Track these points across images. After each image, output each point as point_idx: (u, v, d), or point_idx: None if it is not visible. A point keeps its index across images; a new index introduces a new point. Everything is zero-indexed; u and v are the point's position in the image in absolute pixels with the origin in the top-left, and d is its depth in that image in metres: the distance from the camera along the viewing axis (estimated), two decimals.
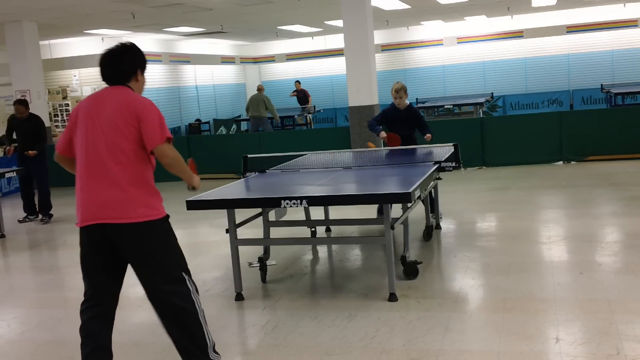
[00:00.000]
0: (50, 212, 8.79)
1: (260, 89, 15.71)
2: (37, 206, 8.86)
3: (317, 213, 6.37)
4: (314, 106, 18.27)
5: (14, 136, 8.83)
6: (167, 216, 3.24)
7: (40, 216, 8.74)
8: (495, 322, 3.91)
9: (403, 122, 6.67)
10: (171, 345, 3.96)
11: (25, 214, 8.88)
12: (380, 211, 6.62)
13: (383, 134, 6.64)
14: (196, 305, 3.24)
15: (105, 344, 3.31)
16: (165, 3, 10.92)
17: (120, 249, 3.17)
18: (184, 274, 3.24)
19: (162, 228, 3.20)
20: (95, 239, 3.17)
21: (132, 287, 5.33)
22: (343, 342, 3.79)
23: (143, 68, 3.36)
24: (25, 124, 8.67)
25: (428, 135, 6.60)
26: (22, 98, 9.44)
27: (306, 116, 17.91)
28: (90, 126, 3.13)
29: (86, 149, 3.13)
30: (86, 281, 3.31)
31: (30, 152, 8.51)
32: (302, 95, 17.96)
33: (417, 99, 17.98)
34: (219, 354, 3.33)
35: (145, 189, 3.15)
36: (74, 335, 4.25)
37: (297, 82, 18.46)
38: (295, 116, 17.81)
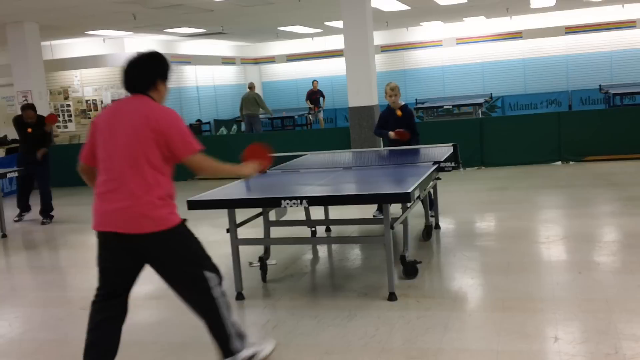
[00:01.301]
0: (52, 213, 8.81)
1: (251, 87, 16.11)
2: (26, 206, 8.97)
3: (317, 213, 6.40)
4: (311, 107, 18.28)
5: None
6: (183, 221, 3.26)
7: (42, 218, 8.75)
8: (494, 322, 3.93)
9: (397, 120, 6.72)
10: (173, 344, 4.00)
11: (19, 211, 8.92)
12: (379, 209, 6.67)
13: (391, 133, 6.68)
14: (216, 301, 3.28)
15: (113, 346, 3.31)
16: (166, 4, 10.94)
17: (138, 257, 3.22)
18: (204, 272, 3.27)
19: (176, 235, 3.21)
20: (110, 245, 3.19)
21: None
22: (343, 341, 3.81)
23: (164, 77, 3.31)
24: (39, 127, 8.71)
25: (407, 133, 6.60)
26: (30, 103, 9.43)
27: (317, 116, 17.91)
28: (111, 136, 3.15)
29: (106, 157, 3.16)
30: (101, 279, 3.31)
31: (40, 150, 8.56)
32: (318, 97, 17.92)
33: (416, 99, 18.00)
34: (243, 340, 3.38)
35: (160, 200, 3.15)
36: (76, 335, 4.28)
37: (315, 81, 18.38)
38: (309, 116, 17.89)
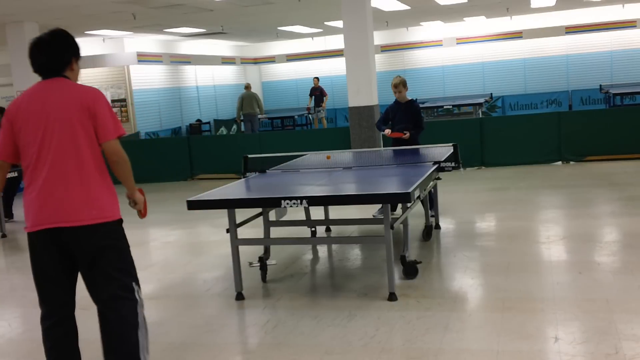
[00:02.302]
0: None
1: (248, 87, 16.36)
2: (10, 213, 8.92)
3: (317, 213, 6.39)
4: (313, 106, 18.28)
5: None
6: (121, 220, 3.14)
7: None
8: (494, 322, 3.93)
9: (403, 114, 6.78)
10: (172, 344, 3.99)
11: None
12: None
13: (388, 131, 6.71)
14: (139, 318, 3.11)
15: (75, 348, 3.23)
16: (166, 4, 10.94)
17: (74, 253, 3.04)
18: (134, 284, 3.14)
19: (117, 231, 3.10)
20: (47, 243, 3.00)
21: None
22: (343, 341, 3.81)
23: (78, 56, 3.18)
24: None
25: (407, 133, 6.63)
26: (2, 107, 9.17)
27: (320, 116, 17.91)
28: (42, 124, 2.95)
29: (39, 149, 2.95)
30: (40, 292, 3.11)
31: None
32: (318, 94, 17.91)
33: (416, 99, 17.95)
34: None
35: (103, 189, 3.05)
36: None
37: (316, 78, 18.36)
38: (310, 116, 17.90)
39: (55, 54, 3.07)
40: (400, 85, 6.82)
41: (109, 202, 3.06)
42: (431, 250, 5.80)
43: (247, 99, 15.98)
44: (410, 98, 6.97)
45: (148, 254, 6.68)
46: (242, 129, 16.64)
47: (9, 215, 8.93)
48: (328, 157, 6.14)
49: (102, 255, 3.04)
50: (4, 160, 3.08)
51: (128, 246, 3.19)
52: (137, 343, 3.07)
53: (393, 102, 6.95)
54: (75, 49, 3.17)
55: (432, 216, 6.30)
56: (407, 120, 6.74)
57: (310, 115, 18.09)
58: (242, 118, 16.26)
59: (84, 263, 3.06)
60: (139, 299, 3.14)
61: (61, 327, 3.15)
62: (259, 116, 16.50)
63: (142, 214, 3.46)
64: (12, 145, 3.05)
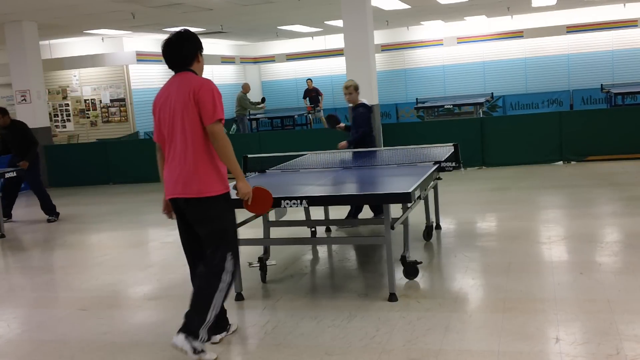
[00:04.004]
0: (57, 211, 8.77)
1: (244, 88, 16.66)
2: (9, 213, 8.88)
3: (317, 213, 6.37)
4: (314, 106, 18.27)
5: None
6: (224, 195, 3.65)
7: (47, 217, 8.70)
8: (495, 322, 3.91)
9: (353, 120, 6.83)
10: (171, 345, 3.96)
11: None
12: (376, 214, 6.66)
13: (342, 125, 6.95)
14: (220, 284, 3.59)
15: None
16: (165, 3, 10.92)
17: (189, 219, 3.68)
18: (228, 255, 3.65)
19: (221, 202, 3.63)
20: (177, 211, 3.71)
21: (131, 287, 5.35)
22: (343, 342, 3.79)
23: (201, 50, 3.73)
24: (15, 132, 8.54)
25: (343, 143, 6.65)
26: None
27: (318, 115, 17.93)
28: (169, 111, 3.58)
29: (169, 132, 3.60)
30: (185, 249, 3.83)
31: (22, 163, 8.38)
32: (314, 94, 17.94)
33: (417, 98, 17.98)
34: (210, 336, 3.67)
35: (211, 168, 3.58)
36: (74, 335, 4.26)
37: (309, 80, 18.39)
38: (308, 115, 17.92)
39: (182, 53, 3.67)
40: (351, 87, 6.77)
41: (211, 179, 3.59)
42: (432, 250, 5.78)
43: (243, 100, 16.29)
44: (361, 101, 6.86)
45: (148, 254, 6.66)
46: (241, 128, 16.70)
47: (7, 215, 8.90)
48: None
49: (201, 224, 3.66)
50: (157, 142, 3.76)
51: (228, 218, 3.73)
52: (209, 304, 3.56)
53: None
54: (199, 44, 3.72)
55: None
56: (355, 125, 6.75)
57: (309, 115, 18.08)
58: (236, 118, 16.46)
59: (195, 227, 3.71)
60: (226, 268, 3.64)
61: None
62: (259, 115, 16.81)
63: (246, 204, 3.86)
64: (159, 130, 3.71)
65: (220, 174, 3.64)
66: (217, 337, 3.88)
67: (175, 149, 3.59)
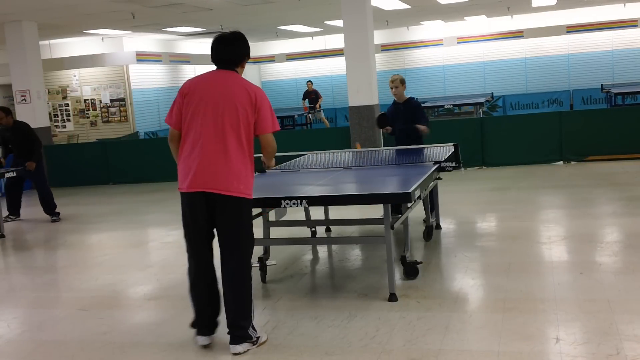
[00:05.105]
0: (57, 210, 8.77)
1: None
2: (17, 212, 8.89)
3: (317, 213, 6.37)
4: (313, 106, 18.27)
5: None
6: (247, 199, 3.70)
7: (50, 217, 8.69)
8: (495, 322, 3.90)
9: (403, 115, 6.64)
10: (171, 345, 3.97)
11: (8, 214, 8.83)
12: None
13: (388, 128, 6.70)
14: (249, 279, 3.76)
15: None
16: (165, 3, 10.92)
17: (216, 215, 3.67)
18: (241, 254, 3.73)
19: (248, 206, 3.74)
20: (199, 203, 3.65)
21: (132, 287, 5.35)
22: (343, 342, 3.79)
23: (249, 56, 3.80)
24: (17, 133, 8.55)
25: (421, 127, 6.49)
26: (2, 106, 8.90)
27: (319, 116, 17.91)
28: (212, 103, 3.57)
29: (211, 121, 3.57)
30: (190, 245, 3.77)
31: (29, 164, 8.41)
32: (313, 96, 17.95)
33: (417, 98, 17.94)
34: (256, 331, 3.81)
35: (249, 168, 3.67)
36: (74, 335, 4.26)
37: (309, 82, 18.39)
38: (308, 115, 17.92)
39: (235, 52, 3.73)
40: (397, 80, 6.64)
41: (250, 182, 3.70)
42: (432, 250, 5.78)
43: None
44: (408, 96, 6.85)
45: (148, 254, 6.66)
46: None
47: (15, 214, 8.90)
48: (358, 146, 6.12)
49: (230, 222, 3.69)
50: (175, 128, 3.73)
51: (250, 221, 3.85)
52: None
53: (391, 104, 6.86)
54: (249, 50, 3.79)
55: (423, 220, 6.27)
56: (408, 120, 6.63)
57: (309, 115, 18.09)
58: None
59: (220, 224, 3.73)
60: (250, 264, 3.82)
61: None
62: None
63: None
64: (179, 116, 3.68)
65: (248, 176, 3.72)
66: (202, 339, 3.83)
67: (209, 144, 3.57)
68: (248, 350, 3.71)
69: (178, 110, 3.69)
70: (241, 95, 3.59)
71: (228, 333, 3.73)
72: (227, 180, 3.58)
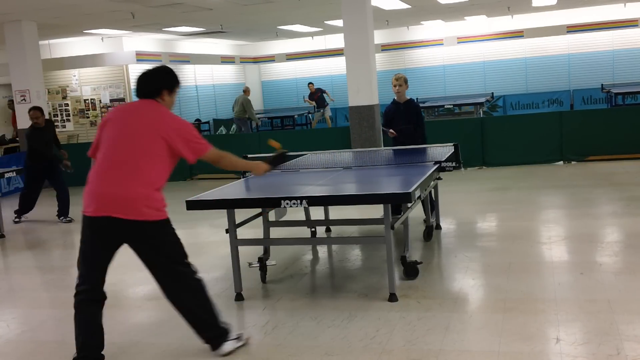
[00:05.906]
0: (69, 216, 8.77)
1: (245, 91, 16.65)
2: (31, 207, 8.88)
3: (317, 213, 6.36)
4: (314, 106, 18.26)
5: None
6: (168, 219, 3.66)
7: (63, 218, 8.66)
8: (495, 323, 3.90)
9: (402, 115, 6.64)
10: (171, 345, 3.96)
11: (19, 214, 8.82)
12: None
13: (392, 132, 6.67)
14: (196, 285, 3.73)
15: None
16: (165, 3, 10.91)
17: (128, 242, 3.59)
18: (185, 265, 3.71)
19: (165, 227, 3.65)
20: (102, 229, 3.54)
21: (132, 287, 5.34)
22: (343, 342, 3.78)
23: (170, 89, 3.78)
24: (47, 133, 8.63)
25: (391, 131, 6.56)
26: (37, 106, 8.91)
27: (324, 115, 17.90)
28: (124, 127, 3.55)
29: (115, 144, 3.51)
30: (83, 267, 3.70)
31: (66, 163, 8.54)
32: (319, 95, 17.93)
33: (417, 98, 17.92)
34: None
35: (157, 192, 3.57)
36: (74, 336, 4.25)
37: (310, 83, 18.37)
38: (311, 115, 17.92)
39: (148, 85, 3.77)
40: (401, 79, 6.63)
41: (154, 203, 3.59)
42: (432, 250, 5.77)
43: (237, 102, 16.42)
44: (408, 97, 6.85)
45: None
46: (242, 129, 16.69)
47: (26, 211, 8.87)
48: (273, 144, 5.15)
49: (152, 247, 3.67)
50: (90, 155, 3.71)
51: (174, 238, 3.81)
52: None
53: (390, 103, 6.85)
54: (168, 83, 3.80)
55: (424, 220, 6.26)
56: (407, 120, 6.63)
57: (310, 115, 18.06)
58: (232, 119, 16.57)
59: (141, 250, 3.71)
60: (188, 272, 3.81)
61: None
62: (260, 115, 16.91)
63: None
64: (97, 145, 3.65)
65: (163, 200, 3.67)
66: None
67: (118, 162, 3.48)
68: (238, 346, 3.73)
69: (97, 139, 3.66)
70: (156, 119, 3.58)
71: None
72: (133, 205, 3.45)
